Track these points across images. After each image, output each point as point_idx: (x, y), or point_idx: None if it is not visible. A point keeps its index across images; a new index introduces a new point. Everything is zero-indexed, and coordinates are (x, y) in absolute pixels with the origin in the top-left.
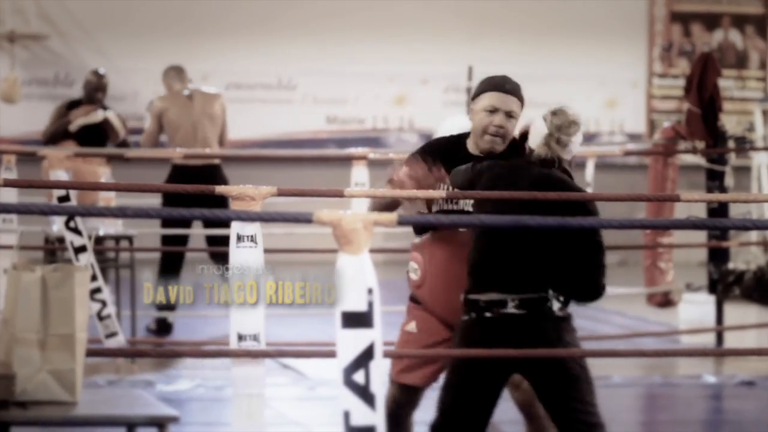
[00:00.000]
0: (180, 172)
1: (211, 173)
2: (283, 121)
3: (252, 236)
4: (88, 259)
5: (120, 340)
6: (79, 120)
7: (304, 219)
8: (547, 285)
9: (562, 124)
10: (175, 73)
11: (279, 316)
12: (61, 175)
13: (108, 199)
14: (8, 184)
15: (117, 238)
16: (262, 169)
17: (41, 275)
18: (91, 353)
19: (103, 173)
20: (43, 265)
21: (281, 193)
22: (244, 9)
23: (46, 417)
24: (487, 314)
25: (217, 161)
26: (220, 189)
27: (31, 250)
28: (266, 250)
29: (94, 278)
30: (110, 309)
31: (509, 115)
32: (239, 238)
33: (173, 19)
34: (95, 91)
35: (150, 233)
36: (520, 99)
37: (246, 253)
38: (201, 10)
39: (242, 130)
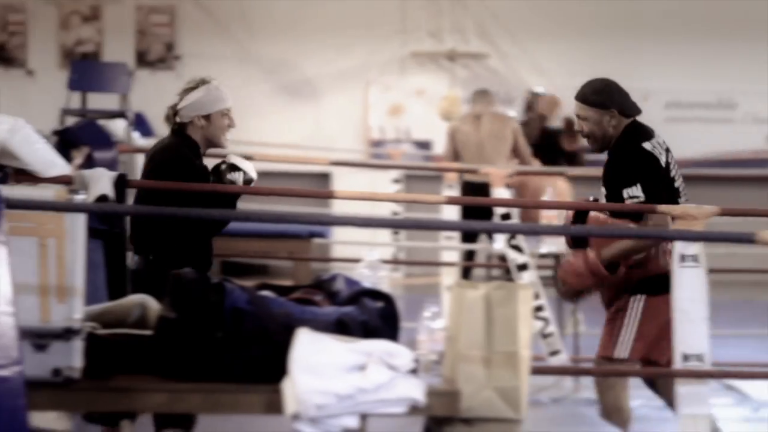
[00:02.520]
0: (468, 188)
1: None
2: (721, 140)
3: (695, 256)
4: (530, 276)
5: (563, 359)
6: None
7: (746, 239)
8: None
9: None
10: (478, 96)
11: (720, 336)
12: (503, 193)
13: (550, 217)
14: (451, 202)
15: (558, 256)
16: (700, 188)
17: (485, 293)
18: (534, 371)
19: (562, 189)
20: (485, 283)
21: (724, 213)
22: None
23: None
24: None
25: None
26: (663, 208)
27: (474, 268)
28: (708, 270)
29: (536, 296)
30: (553, 327)
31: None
32: (682, 258)
33: (612, 36)
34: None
35: None
36: (591, 104)
37: (689, 273)
38: (655, 25)
39: (681, 149)
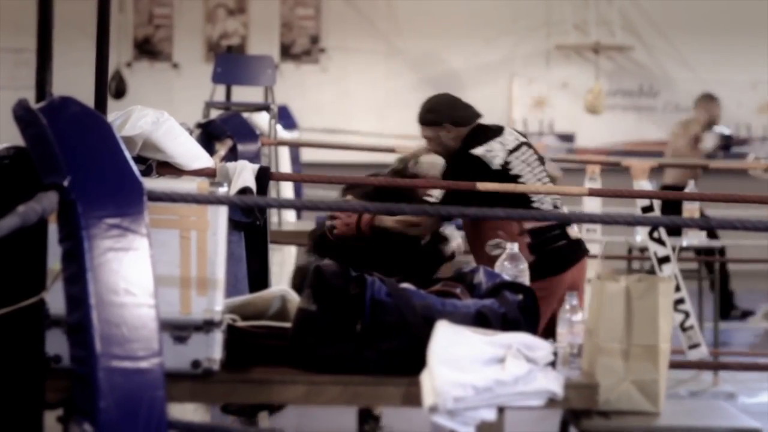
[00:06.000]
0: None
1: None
2: None
3: None
4: (671, 269)
5: (702, 352)
6: None
7: None
8: None
9: None
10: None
11: None
12: (645, 185)
13: (692, 209)
14: (593, 193)
15: (699, 250)
16: None
17: (625, 285)
18: (673, 365)
19: None
20: (626, 275)
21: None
22: None
23: (629, 427)
24: None
25: None
26: None
27: (615, 260)
28: None
29: (677, 289)
30: (693, 320)
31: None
32: None
33: (757, 32)
34: None
35: (733, 245)
36: (426, 123)
37: None
38: None
39: None
